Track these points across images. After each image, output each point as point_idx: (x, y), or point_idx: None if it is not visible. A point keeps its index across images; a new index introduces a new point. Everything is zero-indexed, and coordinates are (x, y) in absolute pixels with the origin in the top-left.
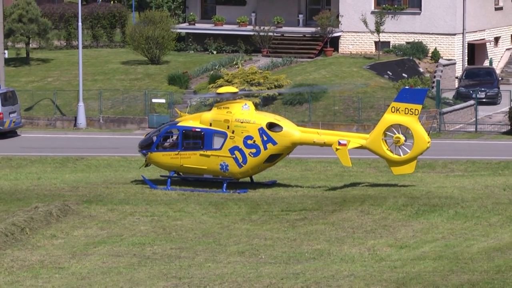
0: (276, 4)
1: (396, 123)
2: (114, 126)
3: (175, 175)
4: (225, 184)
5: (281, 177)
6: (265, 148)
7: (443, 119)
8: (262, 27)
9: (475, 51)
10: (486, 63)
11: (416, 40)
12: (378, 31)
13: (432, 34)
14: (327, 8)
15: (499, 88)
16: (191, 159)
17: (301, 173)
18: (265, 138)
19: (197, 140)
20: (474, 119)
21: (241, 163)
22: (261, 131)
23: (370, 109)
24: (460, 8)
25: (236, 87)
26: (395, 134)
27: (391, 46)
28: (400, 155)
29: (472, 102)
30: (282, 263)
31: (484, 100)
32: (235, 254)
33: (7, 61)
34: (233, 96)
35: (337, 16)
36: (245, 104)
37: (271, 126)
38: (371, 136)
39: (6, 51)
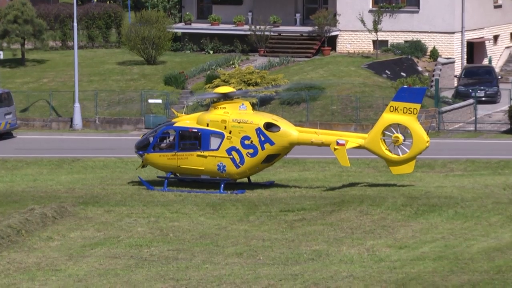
0: (272, 3)
1: (395, 122)
2: (110, 127)
3: (172, 176)
4: (222, 185)
5: (279, 177)
6: (263, 149)
7: (442, 118)
8: (258, 27)
9: (474, 49)
10: (485, 62)
11: (415, 39)
12: (376, 30)
13: (430, 32)
14: (324, 7)
15: (498, 86)
16: (188, 160)
17: (299, 173)
18: (262, 138)
19: (194, 140)
20: (474, 118)
21: (239, 164)
22: (259, 131)
23: (369, 109)
24: (459, 6)
25: (233, 87)
26: (393, 133)
27: (389, 45)
28: (399, 155)
29: (471, 101)
30: (280, 264)
31: (483, 98)
32: (233, 256)
33: (2, 62)
34: (222, 96)
35: (335, 15)
36: (242, 104)
37: (269, 126)
38: (369, 136)
39: (1, 52)
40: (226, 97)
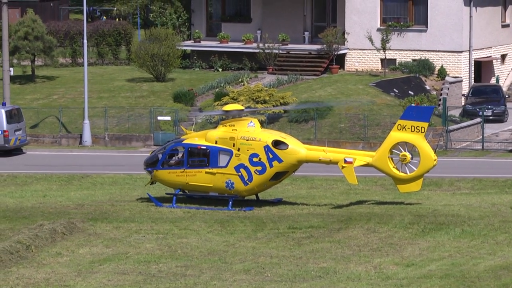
0: (281, 21)
1: (403, 140)
2: (120, 143)
3: (181, 193)
4: (230, 202)
5: (287, 195)
6: (271, 166)
7: (450, 137)
8: (267, 45)
9: (481, 68)
10: (493, 81)
11: (423, 58)
12: (384, 48)
13: (438, 51)
14: (333, 25)
15: (505, 105)
16: (197, 177)
17: (307, 191)
18: (270, 156)
19: (203, 157)
20: (481, 136)
21: (247, 181)
22: (267, 148)
23: (376, 127)
24: (467, 25)
25: (242, 105)
26: (401, 152)
27: (397, 64)
28: (406, 173)
29: (478, 119)
30: (288, 281)
31: (490, 117)
32: (240, 272)
33: (13, 79)
34: (239, 113)
35: (343, 33)
36: (251, 122)
37: (277, 143)
38: (377, 154)
39: (11, 69)
40: (241, 113)
